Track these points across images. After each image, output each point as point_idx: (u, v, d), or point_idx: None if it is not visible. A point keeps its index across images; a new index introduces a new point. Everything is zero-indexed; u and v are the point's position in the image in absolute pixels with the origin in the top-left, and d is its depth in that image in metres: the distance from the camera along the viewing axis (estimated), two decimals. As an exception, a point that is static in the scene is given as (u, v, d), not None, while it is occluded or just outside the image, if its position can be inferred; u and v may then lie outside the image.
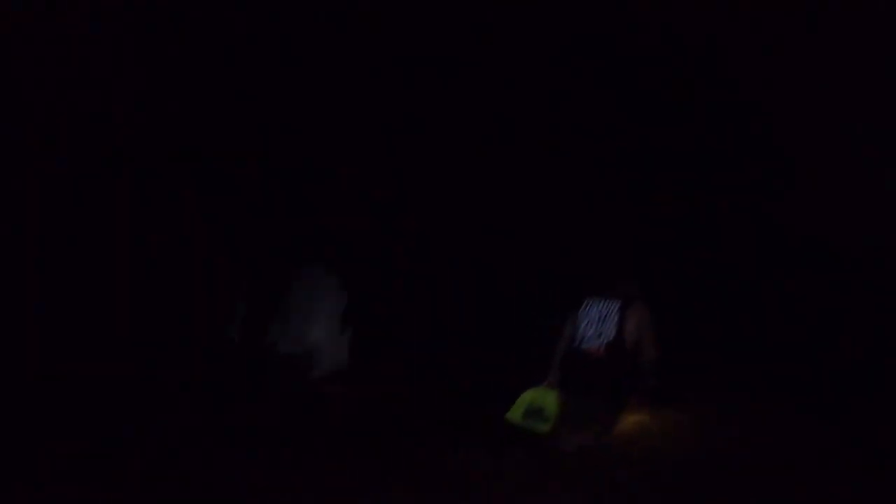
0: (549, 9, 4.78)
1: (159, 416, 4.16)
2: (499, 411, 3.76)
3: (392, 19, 4.87)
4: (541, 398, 3.67)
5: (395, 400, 4.75)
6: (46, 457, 3.48)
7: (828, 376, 4.25)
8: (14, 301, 4.55)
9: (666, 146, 5.05)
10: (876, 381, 4.15)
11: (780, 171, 4.91)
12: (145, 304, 4.99)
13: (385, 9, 4.83)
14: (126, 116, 4.81)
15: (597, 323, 3.72)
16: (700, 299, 4.94)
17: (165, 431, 3.91)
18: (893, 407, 3.74)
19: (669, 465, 3.33)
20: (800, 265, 4.86)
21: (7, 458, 3.47)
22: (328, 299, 5.57)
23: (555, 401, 3.62)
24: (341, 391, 5.04)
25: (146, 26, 4.65)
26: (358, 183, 5.49)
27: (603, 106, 5.05)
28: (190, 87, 4.89)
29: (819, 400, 3.92)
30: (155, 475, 3.35)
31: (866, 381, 4.16)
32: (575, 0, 4.76)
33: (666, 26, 4.77)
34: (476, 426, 3.92)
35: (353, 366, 5.42)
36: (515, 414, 3.67)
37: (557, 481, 3.25)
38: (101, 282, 4.86)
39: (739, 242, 5.06)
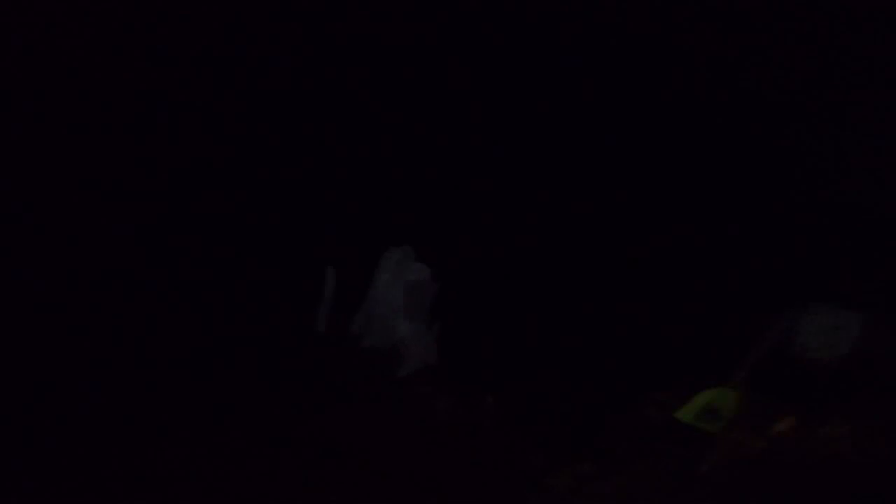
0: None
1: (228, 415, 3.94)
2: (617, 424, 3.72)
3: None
4: (720, 398, 3.50)
5: (491, 406, 4.39)
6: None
7: None
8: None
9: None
10: None
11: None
12: (227, 290, 4.74)
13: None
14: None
15: (827, 332, 3.39)
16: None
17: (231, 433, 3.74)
18: None
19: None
20: None
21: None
22: (416, 287, 5.06)
23: (735, 403, 3.45)
24: (431, 392, 4.64)
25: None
26: (454, 154, 5.12)
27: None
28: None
29: None
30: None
31: None
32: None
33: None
34: (585, 440, 3.76)
35: (442, 365, 4.91)
36: (688, 413, 3.51)
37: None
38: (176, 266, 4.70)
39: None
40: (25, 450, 3.43)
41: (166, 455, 3.54)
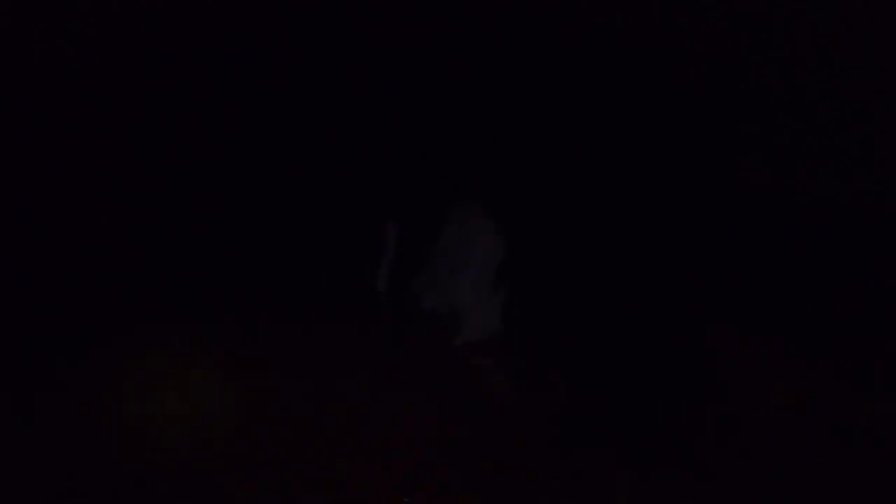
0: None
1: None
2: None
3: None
4: None
5: (560, 391, 4.02)
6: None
7: None
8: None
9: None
10: None
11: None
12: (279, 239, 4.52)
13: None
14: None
15: None
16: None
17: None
18: None
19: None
20: None
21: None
22: (481, 247, 4.46)
23: None
24: (491, 366, 4.26)
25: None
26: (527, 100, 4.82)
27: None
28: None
29: None
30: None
31: None
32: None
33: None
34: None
35: (508, 335, 4.45)
36: None
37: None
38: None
39: None
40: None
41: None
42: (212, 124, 4.73)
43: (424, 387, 3.82)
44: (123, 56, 4.59)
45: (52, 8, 4.44)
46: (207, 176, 4.74)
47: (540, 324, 4.39)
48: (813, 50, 4.71)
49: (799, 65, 4.78)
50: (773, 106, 4.98)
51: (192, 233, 4.61)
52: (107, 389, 3.57)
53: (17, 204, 4.35)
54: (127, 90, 4.66)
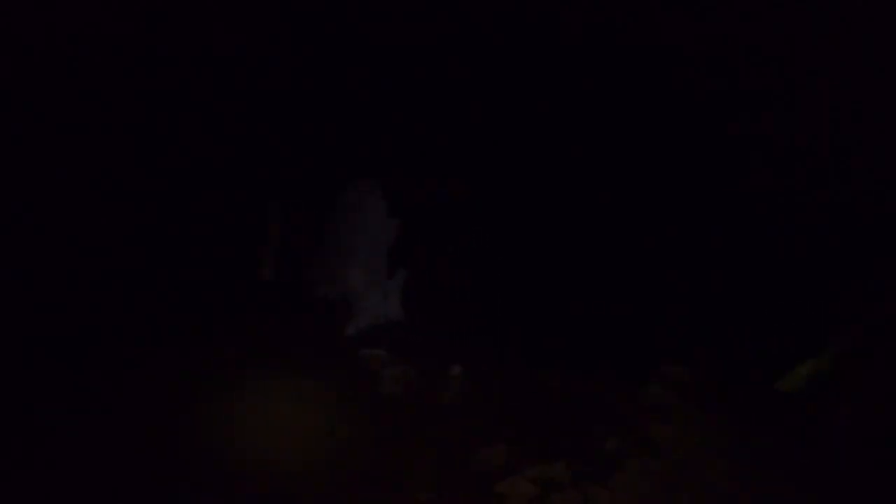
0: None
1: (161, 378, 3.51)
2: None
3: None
4: (820, 366, 3.36)
5: (457, 380, 3.88)
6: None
7: None
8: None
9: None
10: None
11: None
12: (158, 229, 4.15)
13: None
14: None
15: None
16: None
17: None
18: None
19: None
20: None
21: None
22: (372, 227, 4.18)
23: (828, 367, 3.31)
24: (381, 358, 4.04)
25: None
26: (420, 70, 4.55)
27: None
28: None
29: None
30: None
31: None
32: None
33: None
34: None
35: (403, 322, 4.25)
36: (790, 382, 3.40)
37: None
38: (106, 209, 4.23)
39: None
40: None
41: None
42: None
43: (314, 377, 3.68)
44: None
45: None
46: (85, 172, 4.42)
47: (441, 310, 4.21)
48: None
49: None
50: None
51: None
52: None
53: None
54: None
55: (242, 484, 3.02)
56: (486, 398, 3.83)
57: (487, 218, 4.87)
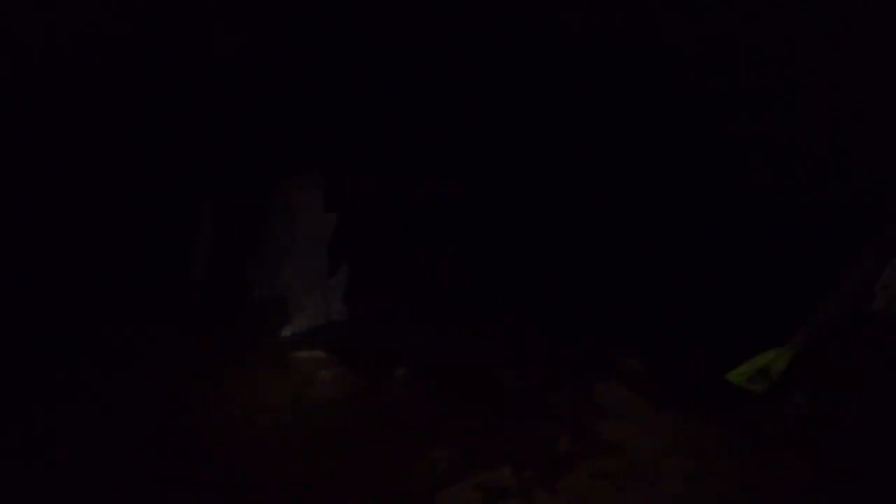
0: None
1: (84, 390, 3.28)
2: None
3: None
4: (775, 360, 3.15)
5: (400, 384, 3.62)
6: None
7: None
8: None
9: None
10: None
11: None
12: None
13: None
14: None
15: None
16: None
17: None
18: None
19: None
20: None
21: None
22: (309, 224, 3.92)
23: (786, 361, 3.11)
24: (319, 360, 3.78)
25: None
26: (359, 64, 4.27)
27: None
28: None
29: None
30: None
31: None
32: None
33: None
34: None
35: (342, 323, 4.02)
36: (739, 375, 3.18)
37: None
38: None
39: None
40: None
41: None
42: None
43: (244, 381, 3.48)
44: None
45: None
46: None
47: (384, 310, 4.00)
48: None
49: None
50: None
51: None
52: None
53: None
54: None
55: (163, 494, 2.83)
56: (430, 399, 3.62)
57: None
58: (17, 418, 3.33)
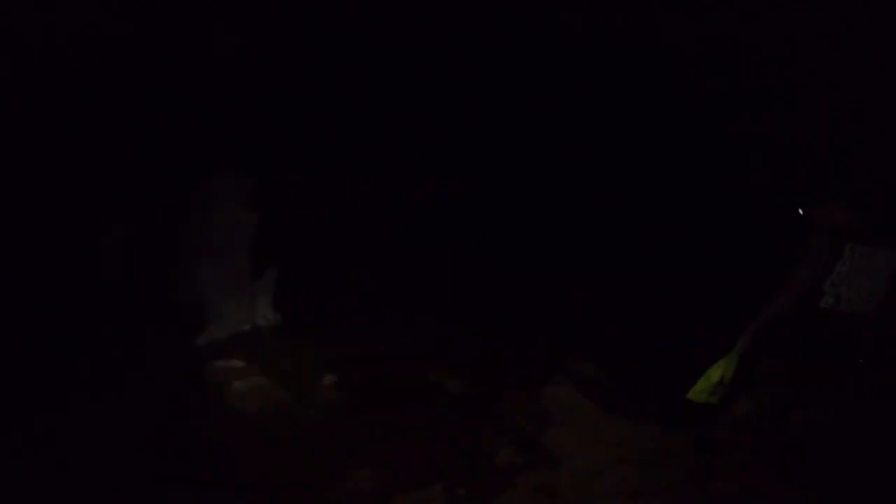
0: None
1: None
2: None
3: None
4: (726, 369, 2.98)
5: (326, 393, 3.27)
6: None
7: None
8: None
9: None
10: None
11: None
12: None
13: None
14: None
15: (866, 278, 2.72)
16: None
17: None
18: None
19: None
20: None
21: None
22: (230, 226, 3.56)
23: (733, 367, 2.95)
24: (234, 370, 3.32)
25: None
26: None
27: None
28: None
29: None
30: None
31: None
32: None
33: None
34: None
35: (265, 330, 3.65)
36: (701, 393, 2.99)
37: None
38: None
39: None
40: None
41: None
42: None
43: (156, 394, 3.05)
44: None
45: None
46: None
47: (309, 316, 3.64)
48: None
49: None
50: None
51: None
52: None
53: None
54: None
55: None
56: (358, 410, 3.24)
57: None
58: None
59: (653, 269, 4.76)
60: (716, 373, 3.00)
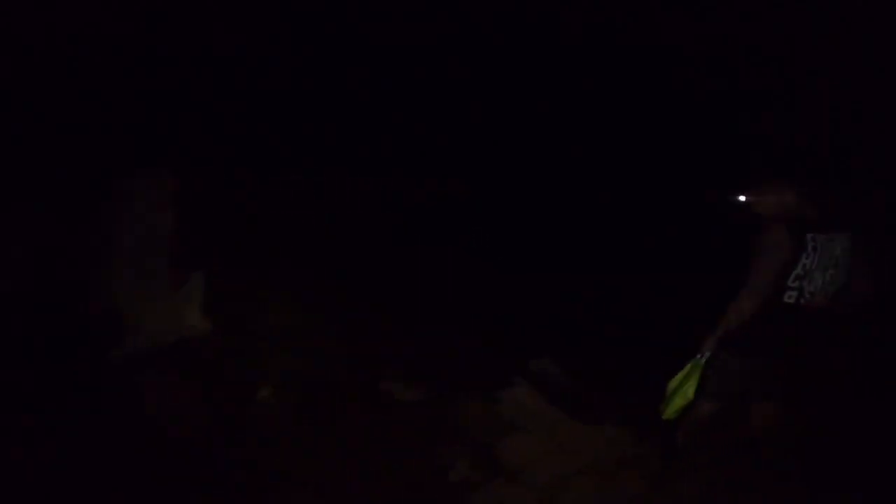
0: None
1: None
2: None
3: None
4: (691, 377, 2.79)
5: (266, 403, 2.92)
6: None
7: None
8: None
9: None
10: None
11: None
12: None
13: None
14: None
15: (826, 268, 2.59)
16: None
17: None
18: None
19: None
20: None
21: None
22: (148, 227, 3.20)
23: (697, 374, 2.77)
24: (150, 384, 2.98)
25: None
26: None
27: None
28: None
29: None
30: None
31: None
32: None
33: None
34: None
35: (193, 341, 3.20)
36: (673, 413, 2.77)
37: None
38: None
39: None
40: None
41: None
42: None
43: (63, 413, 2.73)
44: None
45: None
46: None
47: (243, 320, 3.27)
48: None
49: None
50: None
51: None
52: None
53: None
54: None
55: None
56: (299, 423, 2.90)
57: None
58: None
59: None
60: (675, 383, 2.79)
